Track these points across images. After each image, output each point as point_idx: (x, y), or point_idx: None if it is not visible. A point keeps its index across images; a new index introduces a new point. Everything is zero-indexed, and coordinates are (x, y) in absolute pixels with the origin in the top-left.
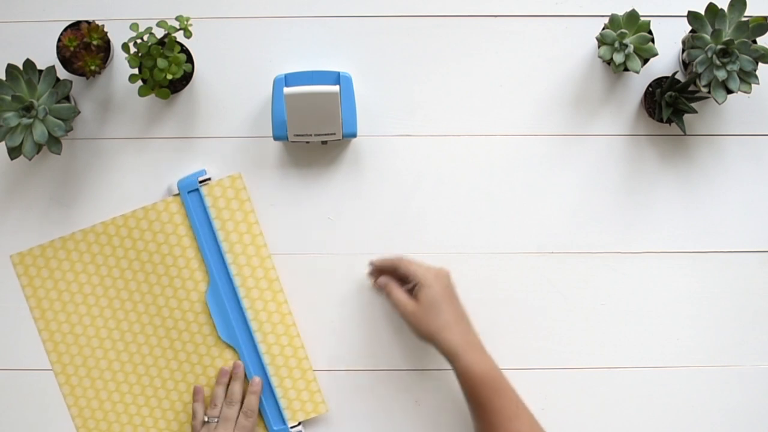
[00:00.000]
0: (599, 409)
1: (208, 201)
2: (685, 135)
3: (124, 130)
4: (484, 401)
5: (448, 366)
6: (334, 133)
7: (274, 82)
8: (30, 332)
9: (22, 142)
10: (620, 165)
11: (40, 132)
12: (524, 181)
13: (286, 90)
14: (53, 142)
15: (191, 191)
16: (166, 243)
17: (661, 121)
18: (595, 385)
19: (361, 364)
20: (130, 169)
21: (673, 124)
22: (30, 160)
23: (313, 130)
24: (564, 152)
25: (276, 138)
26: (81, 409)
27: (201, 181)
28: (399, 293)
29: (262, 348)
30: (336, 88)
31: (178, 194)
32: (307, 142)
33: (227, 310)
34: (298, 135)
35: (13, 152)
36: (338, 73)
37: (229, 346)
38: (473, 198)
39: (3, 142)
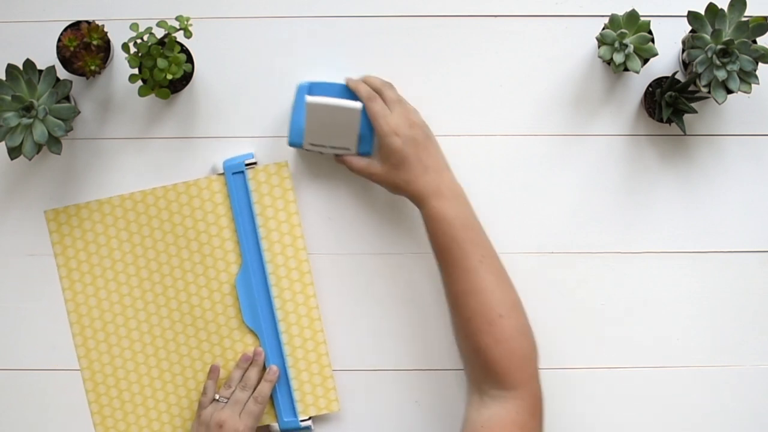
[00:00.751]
0: (599, 409)
1: (251, 185)
2: (685, 135)
3: (124, 130)
4: (445, 252)
5: (448, 366)
6: (349, 149)
7: (298, 88)
8: (30, 332)
9: (22, 142)
10: (620, 165)
11: (40, 132)
12: (524, 181)
13: (309, 99)
14: (53, 142)
15: (236, 173)
16: (203, 220)
17: (661, 121)
18: (595, 385)
19: (360, 364)
20: (130, 169)
21: (673, 124)
22: (30, 160)
23: (329, 142)
24: (564, 152)
25: (291, 144)
26: (93, 372)
27: (247, 164)
28: (356, 162)
29: (284, 338)
30: (359, 105)
31: (222, 174)
32: (321, 153)
33: (255, 295)
34: (313, 144)
35: (13, 152)
36: None
37: (251, 332)
38: (473, 198)
39: (3, 142)
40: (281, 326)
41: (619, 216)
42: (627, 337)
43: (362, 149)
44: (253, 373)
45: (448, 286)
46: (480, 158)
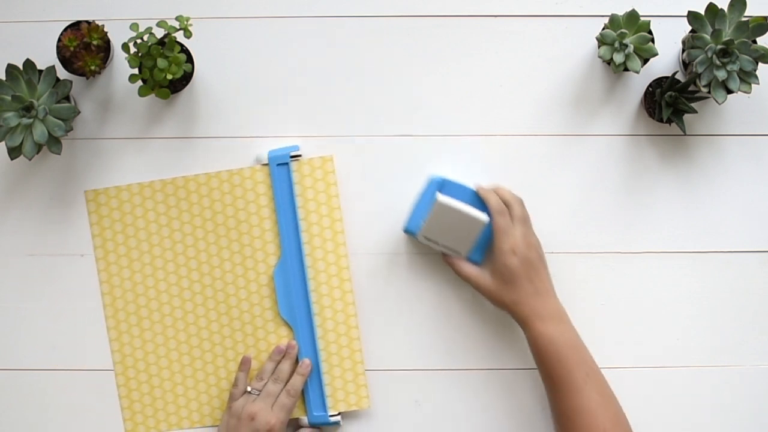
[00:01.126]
0: None
1: (295, 177)
2: (685, 135)
3: (124, 130)
4: (550, 372)
5: (451, 366)
6: (460, 252)
7: (429, 181)
8: (30, 332)
9: (22, 142)
10: (620, 165)
11: (40, 132)
12: (524, 181)
13: (440, 198)
14: (53, 142)
15: (280, 164)
16: (244, 210)
17: (661, 121)
18: None
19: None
20: (130, 169)
21: (673, 124)
22: (30, 160)
23: (443, 241)
24: (564, 152)
25: (406, 231)
26: (124, 356)
27: (292, 156)
28: (466, 268)
29: (318, 332)
30: (486, 218)
31: (266, 164)
32: (430, 247)
33: (291, 288)
34: (427, 238)
35: (13, 152)
36: None
37: (285, 324)
38: None
39: (3, 142)
40: (316, 320)
41: (619, 216)
42: (627, 337)
43: (472, 256)
44: (285, 366)
45: (553, 403)
46: (480, 158)
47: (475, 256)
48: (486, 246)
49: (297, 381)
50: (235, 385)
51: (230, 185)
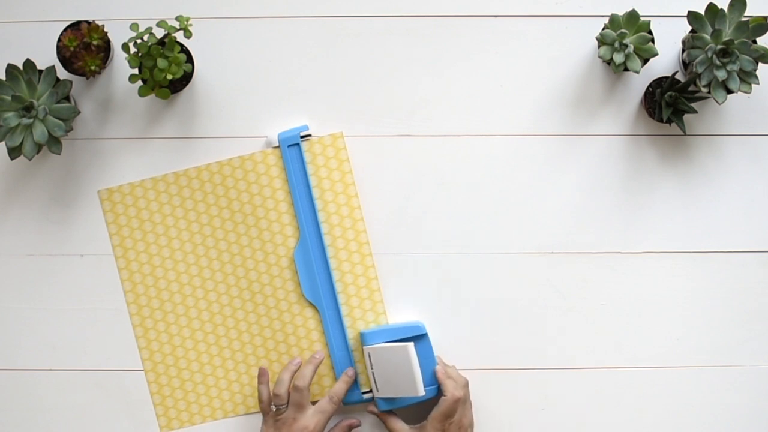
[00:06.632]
0: (599, 409)
1: (307, 157)
2: (685, 135)
3: (124, 130)
4: None
5: (451, 366)
6: (380, 391)
7: (416, 324)
8: (30, 332)
9: (22, 142)
10: (620, 165)
11: (40, 132)
12: (524, 181)
13: (410, 347)
14: (53, 142)
15: (291, 145)
16: (259, 194)
17: (661, 121)
18: (595, 385)
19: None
20: (130, 169)
21: (673, 124)
22: (30, 160)
23: (393, 389)
24: (564, 152)
25: (363, 335)
26: (152, 352)
27: (302, 137)
28: (398, 424)
29: (344, 310)
30: (423, 393)
31: (277, 147)
32: (372, 368)
33: (314, 268)
34: (370, 356)
35: (13, 152)
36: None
37: (310, 305)
38: (473, 198)
39: (3, 142)
40: (341, 298)
41: (619, 216)
42: (627, 337)
43: (391, 403)
44: (307, 371)
45: None
46: (480, 158)
47: (389, 404)
48: (402, 402)
49: (340, 388)
50: (260, 400)
51: (243, 171)
